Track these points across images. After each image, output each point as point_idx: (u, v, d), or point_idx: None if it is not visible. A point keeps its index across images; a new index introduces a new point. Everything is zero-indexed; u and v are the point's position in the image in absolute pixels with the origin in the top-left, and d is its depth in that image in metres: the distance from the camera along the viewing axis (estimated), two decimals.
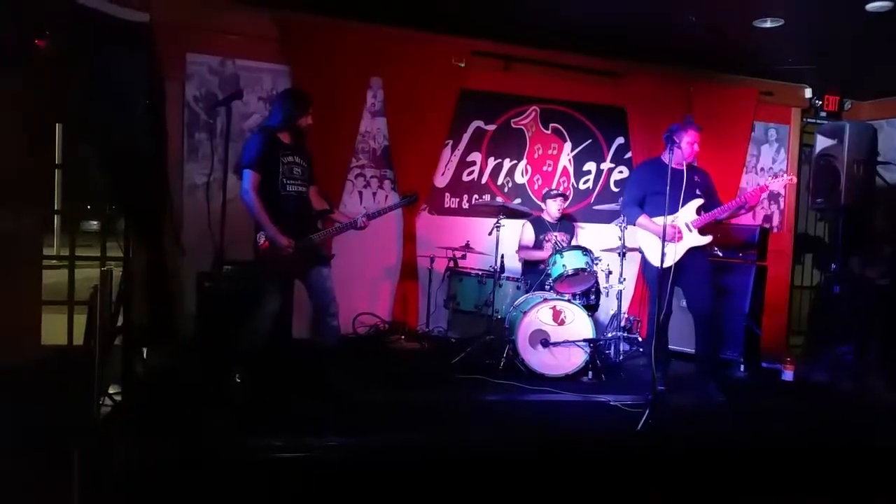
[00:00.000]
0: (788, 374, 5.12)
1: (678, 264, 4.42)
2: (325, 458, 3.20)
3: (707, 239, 4.52)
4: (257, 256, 3.90)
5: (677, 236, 4.43)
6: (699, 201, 4.52)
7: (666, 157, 4.49)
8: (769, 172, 7.00)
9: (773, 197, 7.02)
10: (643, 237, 4.64)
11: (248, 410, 3.61)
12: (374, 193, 5.71)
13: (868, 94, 7.13)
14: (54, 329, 4.83)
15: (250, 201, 3.76)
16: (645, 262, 4.71)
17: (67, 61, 3.97)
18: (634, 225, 4.68)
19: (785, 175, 4.64)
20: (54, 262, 7.71)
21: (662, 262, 4.12)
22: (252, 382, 3.89)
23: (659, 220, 4.37)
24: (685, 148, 4.46)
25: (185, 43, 5.18)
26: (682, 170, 4.39)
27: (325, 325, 4.04)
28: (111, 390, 3.73)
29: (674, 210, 4.41)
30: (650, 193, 4.56)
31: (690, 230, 4.49)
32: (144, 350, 4.30)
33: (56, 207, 6.56)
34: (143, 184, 4.49)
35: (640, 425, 3.74)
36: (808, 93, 6.97)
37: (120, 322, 3.89)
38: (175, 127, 5.16)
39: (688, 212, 4.50)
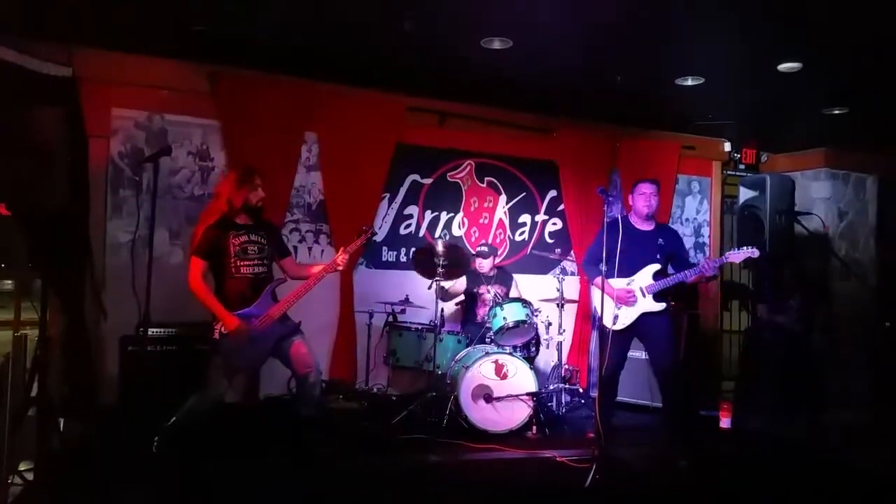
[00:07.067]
0: (726, 422, 5.17)
1: (637, 325, 4.41)
2: None
3: (661, 305, 4.40)
4: (213, 346, 3.76)
5: (631, 300, 4.40)
6: (656, 266, 4.43)
7: (631, 218, 4.55)
8: (693, 223, 7.27)
9: (699, 247, 7.28)
10: (596, 296, 4.64)
11: (172, 485, 3.37)
12: (310, 248, 5.59)
13: (782, 147, 7.55)
14: None
15: (194, 288, 3.72)
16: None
17: None
18: (592, 284, 4.67)
19: (747, 248, 4.40)
20: None
21: (601, 320, 4.23)
22: (178, 453, 3.66)
23: (617, 281, 4.37)
24: (639, 201, 4.49)
25: (110, 97, 5.00)
26: (647, 231, 4.44)
27: (303, 394, 3.92)
28: (22, 467, 3.44)
29: (631, 273, 4.41)
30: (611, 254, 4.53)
31: (644, 295, 4.41)
32: (61, 421, 3.98)
33: None
34: (63, 242, 4.27)
35: (587, 482, 3.69)
36: (727, 146, 7.34)
37: (34, 391, 3.59)
38: (98, 183, 4.94)
39: (644, 276, 4.43)
